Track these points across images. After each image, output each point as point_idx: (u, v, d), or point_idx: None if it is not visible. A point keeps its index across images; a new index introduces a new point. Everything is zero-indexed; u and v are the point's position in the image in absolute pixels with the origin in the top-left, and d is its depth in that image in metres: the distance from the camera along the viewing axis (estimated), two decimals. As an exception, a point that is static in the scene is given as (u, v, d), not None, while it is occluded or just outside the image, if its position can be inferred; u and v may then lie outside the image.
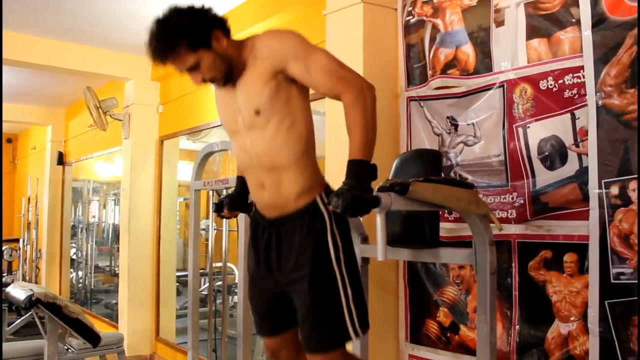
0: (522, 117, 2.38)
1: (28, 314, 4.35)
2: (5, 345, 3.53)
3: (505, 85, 2.44)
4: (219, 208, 2.19)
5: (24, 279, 7.79)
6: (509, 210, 2.42)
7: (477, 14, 2.57)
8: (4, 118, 7.29)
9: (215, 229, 3.64)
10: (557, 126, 2.28)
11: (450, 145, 2.67)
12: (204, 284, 6.05)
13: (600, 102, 2.11)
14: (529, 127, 2.36)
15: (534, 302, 2.34)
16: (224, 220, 3.13)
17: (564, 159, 2.27)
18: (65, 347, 3.41)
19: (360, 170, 1.66)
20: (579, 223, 2.20)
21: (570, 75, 2.22)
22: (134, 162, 5.36)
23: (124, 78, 5.39)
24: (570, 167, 2.24)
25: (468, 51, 2.60)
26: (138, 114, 5.38)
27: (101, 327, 5.29)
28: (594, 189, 2.13)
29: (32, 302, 3.01)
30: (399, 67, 2.91)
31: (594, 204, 2.13)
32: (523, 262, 2.39)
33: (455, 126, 2.65)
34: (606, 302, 2.08)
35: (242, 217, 2.68)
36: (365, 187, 1.64)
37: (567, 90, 2.23)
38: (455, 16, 2.65)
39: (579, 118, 2.21)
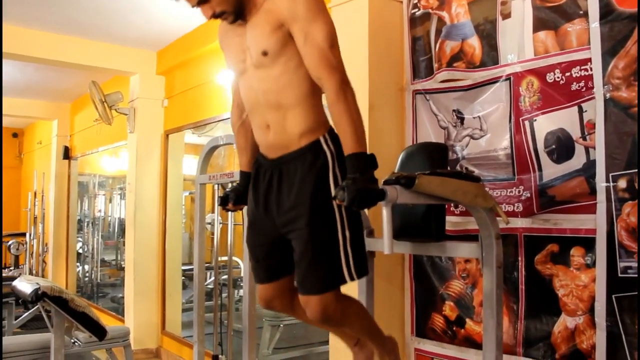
0: (528, 110, 2.37)
1: (35, 308, 4.39)
2: (12, 338, 3.55)
3: (511, 78, 2.43)
4: (224, 201, 2.19)
5: (30, 273, 7.83)
6: (516, 204, 2.41)
7: (484, 6, 2.55)
8: (10, 112, 7.34)
9: (220, 223, 3.63)
10: (564, 119, 2.26)
11: (457, 139, 2.65)
12: (210, 278, 6.08)
13: (607, 95, 2.10)
14: (535, 120, 2.35)
15: (541, 296, 2.34)
16: (230, 213, 3.14)
17: (571, 152, 2.25)
18: (72, 341, 3.43)
19: (361, 162, 1.67)
20: (586, 217, 2.19)
21: (578, 67, 2.20)
22: (139, 156, 5.37)
23: (129, 72, 5.39)
24: (578, 161, 2.23)
25: (474, 44, 2.59)
26: (143, 108, 5.38)
27: (107, 321, 5.32)
28: (601, 182, 2.12)
29: (39, 296, 3.02)
30: (404, 60, 2.90)
31: (601, 197, 2.12)
32: (529, 256, 2.38)
33: (462, 119, 2.63)
34: (613, 296, 2.07)
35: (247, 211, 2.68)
36: (369, 177, 1.66)
37: (575, 83, 2.22)
38: (462, 9, 2.64)
39: (586, 111, 2.19)
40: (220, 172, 3.46)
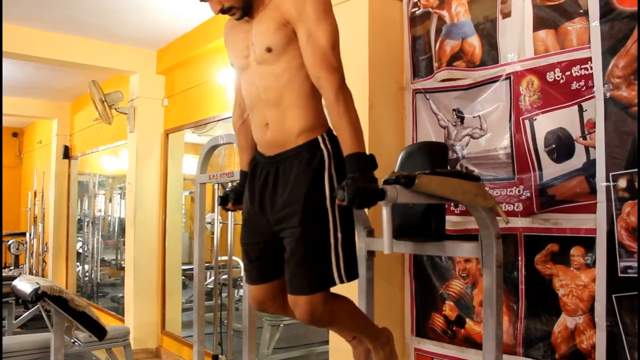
0: (528, 110, 2.37)
1: (34, 308, 4.38)
2: (12, 338, 3.54)
3: (511, 77, 2.42)
4: (224, 201, 2.20)
5: (30, 273, 7.82)
6: (516, 203, 2.40)
7: (484, 5, 2.55)
8: (10, 112, 7.34)
9: (220, 223, 3.63)
10: (564, 118, 2.26)
11: (457, 138, 2.65)
12: (210, 278, 6.08)
13: (608, 94, 2.09)
14: (535, 119, 2.35)
15: (541, 296, 2.33)
16: (230, 213, 3.13)
17: (571, 152, 2.25)
18: (72, 340, 3.42)
19: (361, 162, 1.68)
20: (586, 216, 2.19)
21: (578, 66, 2.20)
22: (139, 156, 5.36)
23: (129, 71, 5.39)
24: (578, 160, 2.23)
25: (474, 43, 2.58)
26: (143, 107, 5.38)
27: (107, 321, 5.32)
28: (601, 182, 2.11)
29: (39, 296, 3.01)
30: (404, 59, 2.90)
31: (601, 196, 2.11)
32: (530, 256, 2.37)
33: (462, 118, 2.63)
34: (613, 296, 2.07)
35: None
36: (369, 177, 1.66)
37: (575, 82, 2.21)
38: (462, 7, 2.63)
39: (586, 110, 2.19)
40: (220, 171, 3.45)
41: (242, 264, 4.52)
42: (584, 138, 2.21)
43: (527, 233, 2.38)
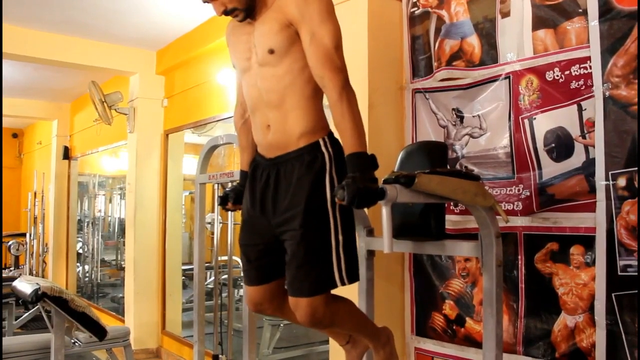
0: (528, 109, 2.37)
1: (35, 308, 4.39)
2: (12, 339, 3.55)
3: (511, 77, 2.43)
4: (224, 201, 2.20)
5: (30, 273, 7.83)
6: (515, 202, 2.41)
7: (483, 5, 2.56)
8: (10, 113, 7.33)
9: (220, 223, 3.63)
10: (563, 117, 2.26)
11: (456, 137, 2.65)
12: (210, 278, 6.08)
13: (607, 93, 2.10)
14: (535, 118, 2.35)
15: (541, 295, 2.34)
16: (230, 213, 3.13)
17: (570, 151, 2.25)
18: (72, 341, 3.42)
19: (362, 161, 1.68)
20: (586, 215, 2.19)
21: (577, 66, 2.21)
22: (139, 156, 5.36)
23: (128, 72, 5.39)
24: (577, 159, 2.23)
25: (474, 42, 2.59)
26: (143, 107, 5.38)
27: (107, 321, 5.32)
28: (600, 181, 2.12)
29: (39, 296, 3.01)
30: (404, 58, 2.90)
31: (600, 195, 2.12)
32: (529, 255, 2.38)
33: (461, 118, 2.63)
34: (613, 294, 2.07)
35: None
36: (369, 177, 1.66)
37: (574, 82, 2.22)
38: (461, 7, 2.64)
39: (585, 109, 2.19)
40: (220, 171, 3.46)
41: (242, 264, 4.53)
42: (584, 137, 2.21)
43: (526, 232, 2.39)
